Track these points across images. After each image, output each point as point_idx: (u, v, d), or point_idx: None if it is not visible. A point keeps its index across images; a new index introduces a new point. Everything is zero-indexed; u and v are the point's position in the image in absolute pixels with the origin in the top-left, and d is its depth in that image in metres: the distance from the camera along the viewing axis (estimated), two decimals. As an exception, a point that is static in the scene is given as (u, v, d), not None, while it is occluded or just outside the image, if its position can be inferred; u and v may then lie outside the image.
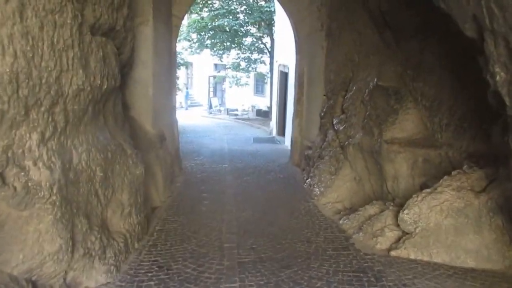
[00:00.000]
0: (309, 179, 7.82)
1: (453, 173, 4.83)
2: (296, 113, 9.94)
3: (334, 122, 7.96)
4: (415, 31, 6.18)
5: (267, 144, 14.98)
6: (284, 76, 15.80)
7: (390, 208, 5.41)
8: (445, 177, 4.81)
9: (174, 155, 8.95)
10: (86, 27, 3.81)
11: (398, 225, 4.97)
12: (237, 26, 20.41)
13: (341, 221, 5.85)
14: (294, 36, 9.83)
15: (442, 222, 4.58)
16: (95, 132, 4.17)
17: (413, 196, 4.88)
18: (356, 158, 6.85)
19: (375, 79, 6.78)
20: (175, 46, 9.18)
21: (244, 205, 6.63)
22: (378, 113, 6.61)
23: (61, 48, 3.26)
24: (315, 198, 7.05)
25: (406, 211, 4.77)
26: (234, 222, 5.81)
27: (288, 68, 14.54)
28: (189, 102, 30.19)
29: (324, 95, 8.69)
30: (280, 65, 15.96)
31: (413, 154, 5.92)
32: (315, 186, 7.36)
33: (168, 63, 8.63)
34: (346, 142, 7.11)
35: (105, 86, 4.27)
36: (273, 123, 17.55)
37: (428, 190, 4.82)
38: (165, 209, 6.35)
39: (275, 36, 17.96)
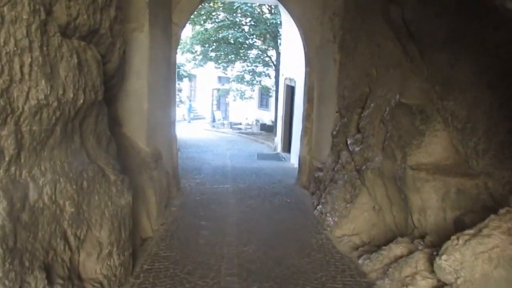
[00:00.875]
0: (320, 206, 6.95)
1: (500, 211, 3.95)
2: (305, 131, 9.10)
3: (348, 142, 7.12)
4: (445, 42, 5.37)
5: (271, 162, 14.13)
6: (290, 90, 15.03)
7: (420, 248, 4.54)
8: (492, 216, 3.93)
9: (172, 175, 8.12)
10: (54, 27, 3.01)
11: (432, 271, 4.09)
12: (242, 38, 19.69)
13: (360, 261, 4.97)
14: (304, 48, 9.06)
15: (491, 274, 3.69)
16: (66, 157, 3.34)
17: (452, 238, 3.99)
18: (375, 185, 5.99)
19: (397, 96, 5.95)
20: (175, 56, 8.41)
21: (247, 236, 5.76)
22: (401, 134, 5.77)
23: (11, 51, 2.45)
24: (328, 229, 6.17)
25: (444, 257, 3.88)
26: (236, 260, 4.93)
27: (295, 82, 13.77)
28: (192, 115, 29.46)
29: (336, 112, 7.87)
30: (286, 78, 15.20)
31: (444, 183, 5.06)
32: (327, 214, 6.49)
33: (167, 74, 7.85)
34: (364, 166, 6.25)
35: (81, 101, 3.46)
36: (278, 138, 16.72)
37: (471, 231, 3.94)
38: (157, 240, 5.48)
39: (281, 49, 17.25)
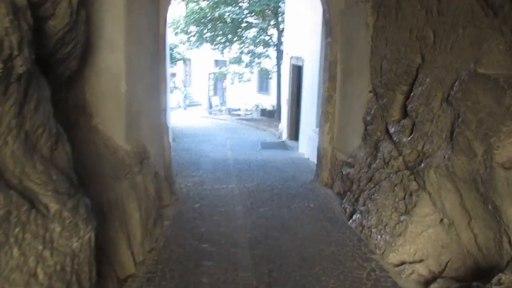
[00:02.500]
0: (358, 215, 5.26)
1: None
2: (325, 116, 7.35)
3: (391, 131, 5.40)
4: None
5: (278, 151, 12.41)
6: (297, 70, 13.24)
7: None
8: None
9: (163, 177, 6.40)
10: None
11: None
12: (241, 15, 17.68)
13: (445, 312, 3.30)
14: (324, 14, 7.26)
15: None
16: None
17: None
18: (443, 190, 4.28)
19: (472, 65, 4.21)
20: (165, 26, 6.59)
21: (268, 269, 4.05)
22: (482, 119, 4.03)
23: None
24: (378, 251, 4.48)
25: None
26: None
27: (303, 61, 11.99)
28: (187, 101, 27.57)
29: (370, 92, 6.13)
30: (292, 57, 13.38)
31: (562, 191, 3.39)
32: (373, 230, 4.78)
33: (153, 48, 6.05)
34: (423, 164, 4.53)
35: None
36: (283, 125, 14.98)
37: None
38: (142, 282, 3.77)
39: (285, 25, 15.35)
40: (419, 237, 4.29)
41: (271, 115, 21.46)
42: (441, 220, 4.31)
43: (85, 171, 4.04)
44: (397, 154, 5.19)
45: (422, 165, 4.54)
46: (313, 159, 10.08)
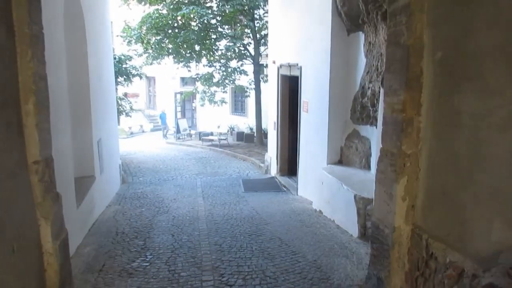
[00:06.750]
0: None
1: None
2: (396, 162, 3.39)
3: None
4: None
5: (270, 196, 8.40)
6: (288, 82, 9.42)
7: None
8: None
9: None
10: None
11: None
12: (207, 16, 13.71)
13: None
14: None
15: None
16: None
17: None
18: None
19: None
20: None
21: None
22: None
23: None
24: None
25: None
26: None
27: (300, 69, 8.17)
28: (152, 125, 23.18)
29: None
30: (281, 66, 9.54)
31: None
32: None
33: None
34: None
35: None
36: (271, 155, 11.02)
37: None
38: None
39: (269, 26, 11.52)
40: None
41: (250, 139, 17.54)
42: None
43: None
44: None
45: None
46: (334, 216, 6.16)
